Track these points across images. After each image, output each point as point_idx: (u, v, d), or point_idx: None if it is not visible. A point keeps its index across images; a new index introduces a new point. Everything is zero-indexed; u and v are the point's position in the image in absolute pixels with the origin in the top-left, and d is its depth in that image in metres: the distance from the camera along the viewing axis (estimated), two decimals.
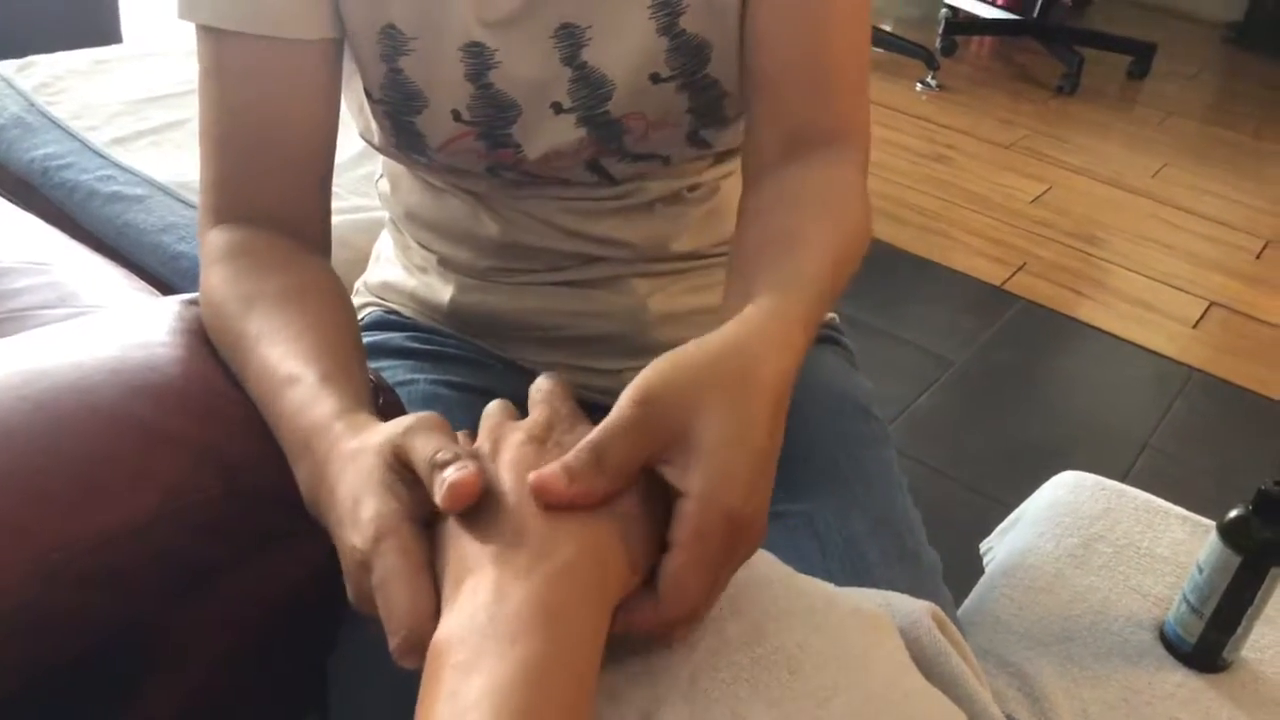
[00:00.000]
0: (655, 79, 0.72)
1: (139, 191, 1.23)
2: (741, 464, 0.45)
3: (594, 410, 0.85)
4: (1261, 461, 1.98)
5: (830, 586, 0.58)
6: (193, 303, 0.67)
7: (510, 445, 0.48)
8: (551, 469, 0.44)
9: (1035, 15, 3.71)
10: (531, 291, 0.84)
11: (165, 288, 1.15)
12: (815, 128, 0.68)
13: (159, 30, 2.76)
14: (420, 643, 0.42)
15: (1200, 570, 0.83)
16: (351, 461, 0.48)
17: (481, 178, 0.79)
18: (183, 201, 1.22)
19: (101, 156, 1.28)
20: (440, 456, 0.45)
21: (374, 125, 0.76)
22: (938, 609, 0.63)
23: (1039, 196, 2.84)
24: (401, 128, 0.75)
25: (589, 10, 0.70)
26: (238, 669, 0.69)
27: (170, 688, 0.64)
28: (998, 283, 2.41)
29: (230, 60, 0.67)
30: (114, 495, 0.54)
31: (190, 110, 1.42)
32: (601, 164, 0.77)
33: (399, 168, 0.85)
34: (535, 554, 0.42)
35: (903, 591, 0.65)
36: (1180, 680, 0.83)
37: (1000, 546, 1.05)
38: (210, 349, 0.63)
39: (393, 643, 0.43)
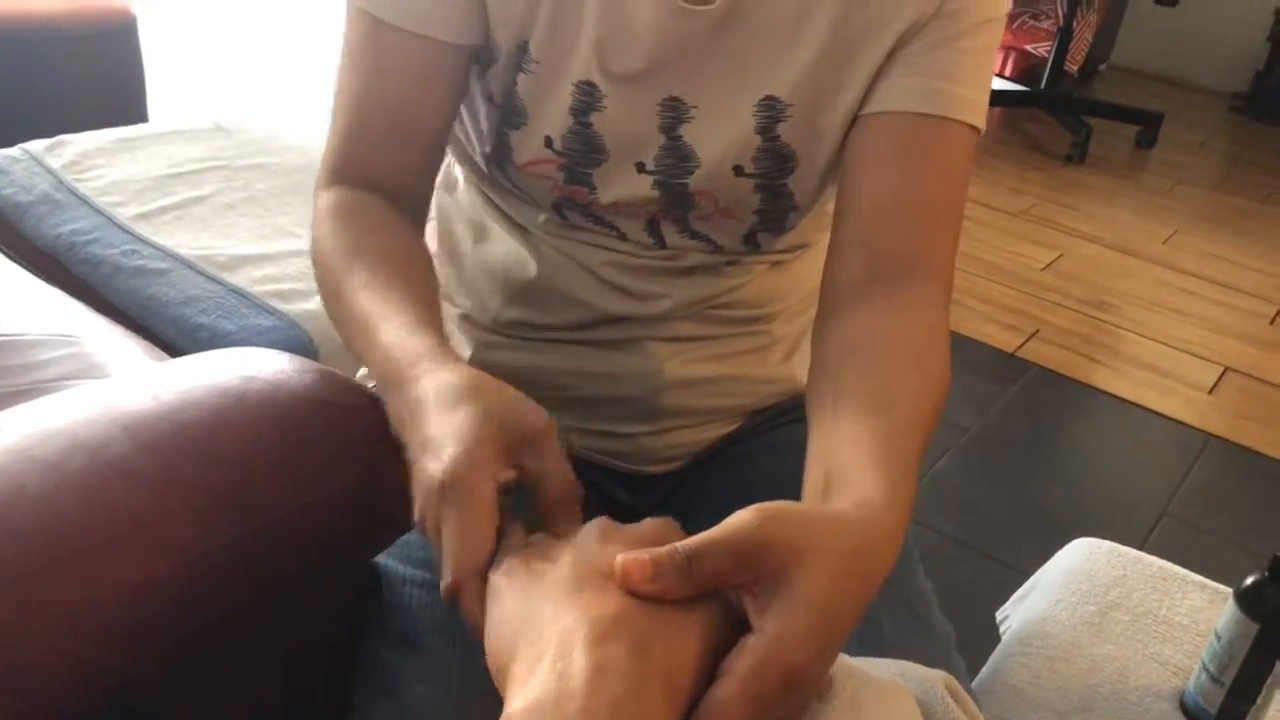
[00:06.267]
0: (738, 172, 0.76)
1: (162, 265, 1.25)
2: (821, 628, 0.45)
3: (605, 473, 0.87)
4: None
5: (844, 656, 0.57)
6: (199, 362, 0.69)
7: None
8: (640, 558, 0.45)
9: (1042, 86, 3.76)
10: (549, 349, 0.86)
11: None
12: (900, 259, 0.70)
13: (182, 109, 2.83)
14: (462, 590, 0.47)
15: (1219, 638, 0.82)
16: (448, 409, 0.52)
17: (540, 210, 0.81)
18: (204, 275, 1.25)
19: (126, 232, 1.31)
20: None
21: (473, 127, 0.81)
22: (951, 678, 0.63)
23: (1050, 264, 2.86)
24: (497, 137, 0.79)
25: (700, 91, 0.74)
26: None
27: None
28: (1011, 349, 2.41)
29: (378, 46, 0.73)
30: (128, 549, 0.55)
31: (211, 187, 1.46)
32: (660, 228, 0.80)
33: (453, 210, 0.88)
34: (634, 651, 0.43)
35: (916, 661, 0.65)
36: None
37: (1016, 614, 1.05)
38: (219, 394, 0.64)
39: (444, 578, 0.48)
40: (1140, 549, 1.87)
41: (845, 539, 0.47)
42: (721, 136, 0.75)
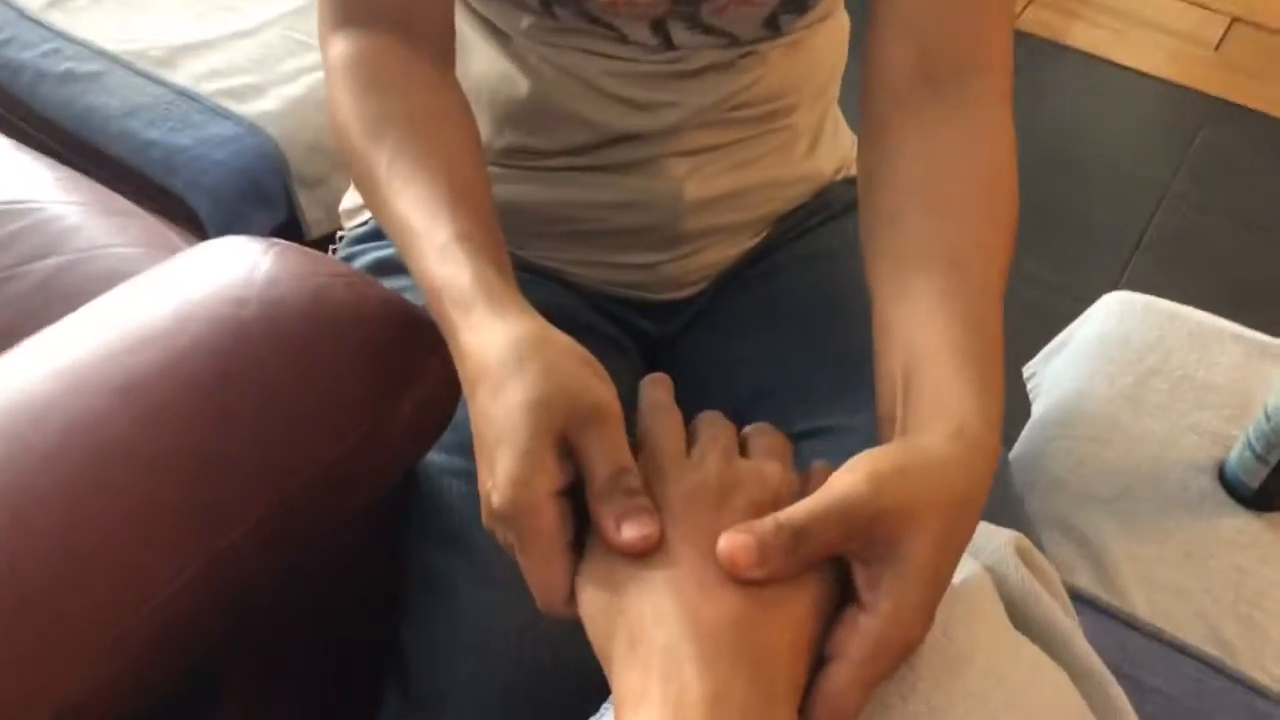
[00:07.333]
0: None
1: (93, 67, 1.12)
2: (932, 597, 0.42)
3: (628, 305, 0.82)
4: None
5: None
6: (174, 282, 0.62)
7: (688, 497, 0.45)
8: (744, 542, 0.41)
9: None
10: (555, 180, 0.78)
11: (144, 181, 1.07)
12: (952, 50, 0.60)
13: None
14: (552, 610, 0.44)
15: (1269, 419, 0.81)
16: (497, 386, 0.46)
17: (529, 12, 0.71)
18: (143, 75, 1.11)
19: (42, 26, 1.16)
20: (626, 483, 0.44)
21: None
22: (1021, 538, 0.61)
23: None
24: None
25: None
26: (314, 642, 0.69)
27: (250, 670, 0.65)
28: None
29: None
30: (156, 547, 0.51)
31: None
32: (667, 26, 0.70)
33: None
34: (752, 667, 0.40)
35: None
36: (1240, 525, 0.83)
37: (1045, 374, 1.04)
38: (217, 331, 0.57)
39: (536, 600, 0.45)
40: (1144, 234, 1.86)
41: (954, 488, 0.44)
42: None
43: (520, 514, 0.43)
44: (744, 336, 0.82)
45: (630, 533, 0.43)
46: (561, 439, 0.44)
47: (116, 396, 0.53)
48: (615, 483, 0.43)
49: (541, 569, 0.44)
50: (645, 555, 0.43)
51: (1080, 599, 0.77)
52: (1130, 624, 0.76)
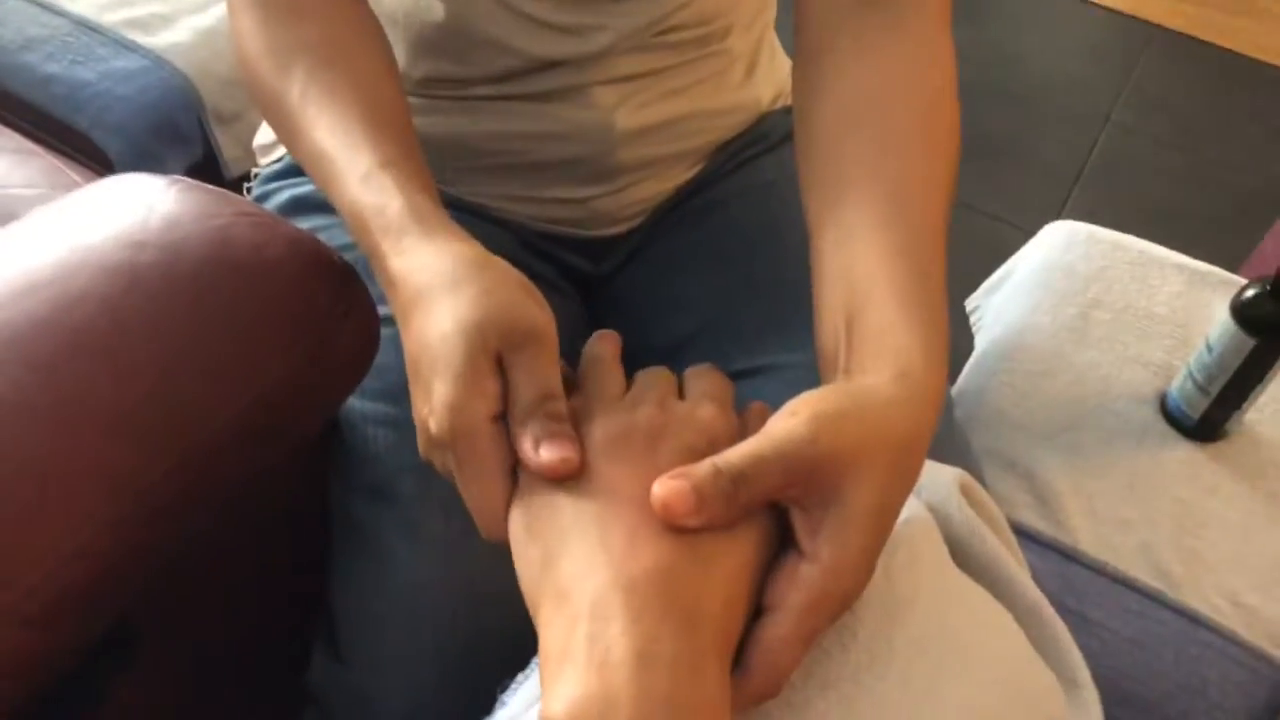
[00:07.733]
0: None
1: None
2: (875, 544, 0.40)
3: (561, 242, 0.78)
4: (1230, 124, 1.92)
5: None
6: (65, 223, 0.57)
7: (627, 435, 0.43)
8: (680, 488, 0.39)
9: None
10: (479, 110, 0.74)
11: (47, 119, 1.00)
12: None
13: None
14: (493, 536, 0.43)
15: (1210, 350, 0.80)
16: (430, 309, 0.45)
17: None
18: (39, 4, 1.04)
19: None
20: (550, 408, 0.43)
21: None
22: (965, 476, 0.60)
23: None
24: None
25: None
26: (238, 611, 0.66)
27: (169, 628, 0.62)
28: None
29: None
30: (55, 501, 0.48)
31: None
32: None
33: None
34: (681, 622, 0.38)
35: None
36: (1183, 456, 0.83)
37: (988, 307, 1.02)
38: (109, 279, 0.53)
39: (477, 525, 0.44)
40: (1085, 163, 1.85)
41: (897, 432, 0.42)
42: None
43: (458, 437, 0.42)
44: (682, 273, 0.79)
45: (548, 454, 0.41)
46: (498, 362, 0.43)
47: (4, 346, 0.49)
48: (539, 406, 0.42)
49: (481, 494, 0.43)
50: (564, 479, 0.41)
51: (1024, 533, 0.76)
52: (1073, 557, 0.75)
